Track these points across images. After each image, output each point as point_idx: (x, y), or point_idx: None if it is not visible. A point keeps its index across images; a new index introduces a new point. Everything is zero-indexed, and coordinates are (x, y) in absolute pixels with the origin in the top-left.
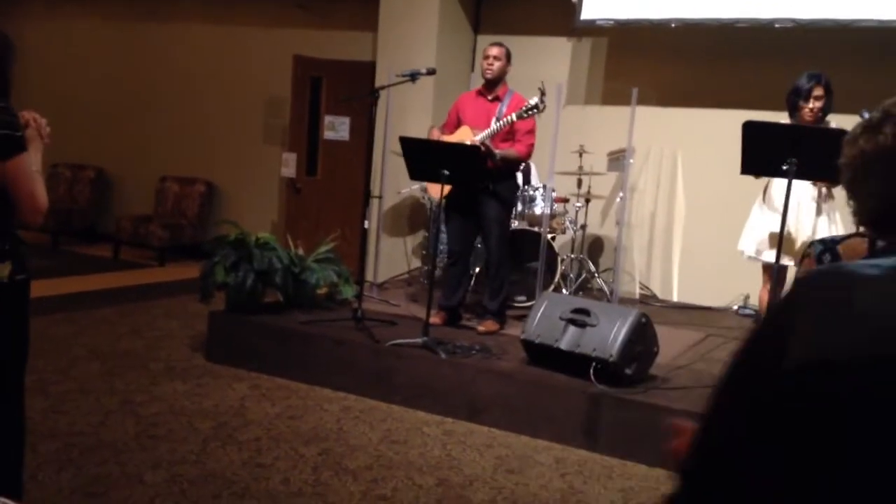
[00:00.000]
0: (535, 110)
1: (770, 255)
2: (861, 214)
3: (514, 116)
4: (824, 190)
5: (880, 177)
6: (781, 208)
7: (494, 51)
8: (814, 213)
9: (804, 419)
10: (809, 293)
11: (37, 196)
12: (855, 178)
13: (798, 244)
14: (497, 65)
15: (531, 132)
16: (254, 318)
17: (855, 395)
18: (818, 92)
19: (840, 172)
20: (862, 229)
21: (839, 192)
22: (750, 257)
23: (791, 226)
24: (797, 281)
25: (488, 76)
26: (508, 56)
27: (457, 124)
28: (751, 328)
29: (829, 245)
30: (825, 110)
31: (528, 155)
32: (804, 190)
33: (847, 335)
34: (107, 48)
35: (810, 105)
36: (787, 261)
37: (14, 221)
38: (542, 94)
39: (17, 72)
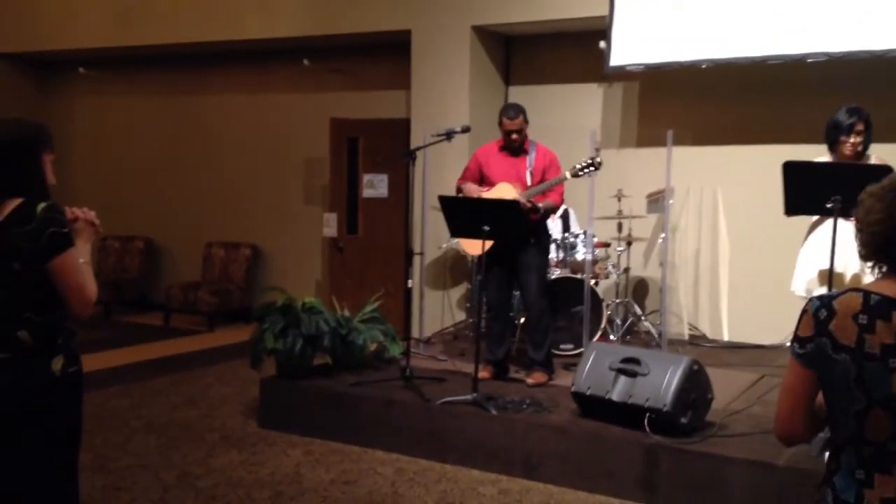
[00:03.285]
0: (592, 168)
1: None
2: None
3: (567, 174)
4: None
5: None
6: (827, 246)
7: (514, 124)
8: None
9: None
10: None
11: (85, 289)
12: None
13: (847, 280)
14: (521, 134)
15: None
16: (304, 382)
17: None
18: (860, 127)
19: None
20: (861, 283)
21: None
22: (801, 297)
23: (839, 263)
24: None
25: (516, 146)
26: (525, 117)
27: (479, 177)
28: None
29: (826, 301)
30: (865, 144)
31: (562, 202)
32: (848, 226)
33: None
34: (150, 122)
35: (852, 140)
36: None
37: (65, 314)
38: (598, 151)
39: (66, 149)
